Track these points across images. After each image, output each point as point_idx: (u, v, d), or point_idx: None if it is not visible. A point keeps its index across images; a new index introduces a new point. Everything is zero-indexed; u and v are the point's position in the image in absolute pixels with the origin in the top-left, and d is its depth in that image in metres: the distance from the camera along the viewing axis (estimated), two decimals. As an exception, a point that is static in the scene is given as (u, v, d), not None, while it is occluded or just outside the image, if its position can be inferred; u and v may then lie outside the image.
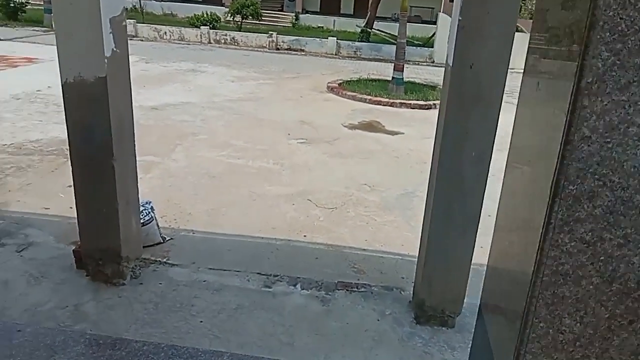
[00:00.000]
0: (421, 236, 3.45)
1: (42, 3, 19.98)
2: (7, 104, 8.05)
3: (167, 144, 6.85)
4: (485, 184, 3.04)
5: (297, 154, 6.96)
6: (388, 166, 6.77)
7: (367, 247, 4.48)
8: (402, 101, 10.46)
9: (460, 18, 2.72)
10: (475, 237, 3.17)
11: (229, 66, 13.78)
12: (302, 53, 18.10)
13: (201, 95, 9.96)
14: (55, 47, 3.03)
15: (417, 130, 8.76)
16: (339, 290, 3.68)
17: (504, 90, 2.81)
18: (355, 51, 18.23)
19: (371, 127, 8.81)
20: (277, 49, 18.34)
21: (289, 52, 18.18)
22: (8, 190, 4.89)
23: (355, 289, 3.72)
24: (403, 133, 8.50)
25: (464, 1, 2.69)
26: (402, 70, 11.51)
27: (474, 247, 3.21)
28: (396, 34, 21.14)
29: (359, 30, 21.22)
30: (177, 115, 8.34)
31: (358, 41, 19.26)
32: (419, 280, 3.42)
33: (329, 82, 12.01)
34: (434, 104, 10.54)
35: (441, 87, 11.01)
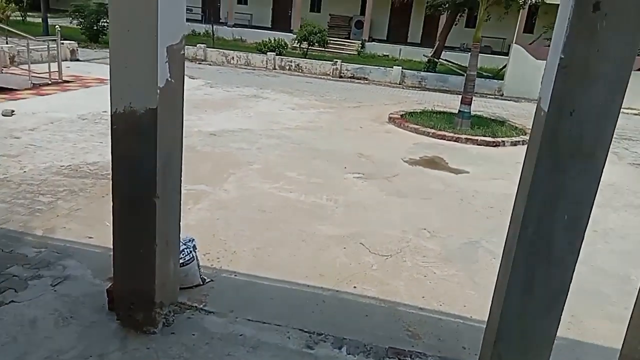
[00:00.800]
0: (492, 304, 2.94)
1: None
2: (72, 124, 8.27)
3: (220, 172, 6.69)
4: (579, 252, 2.52)
5: (353, 190, 6.58)
6: (450, 209, 6.24)
7: (424, 305, 3.99)
8: (468, 137, 9.86)
9: (562, 56, 2.27)
10: (562, 313, 2.64)
11: (291, 93, 13.74)
12: (366, 81, 17.88)
13: (260, 122, 9.87)
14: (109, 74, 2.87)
15: (484, 170, 8.15)
16: (389, 358, 3.22)
17: (611, 141, 2.31)
18: (420, 81, 17.77)
19: (433, 163, 8.30)
20: (341, 76, 18.23)
21: (352, 80, 18.01)
22: (57, 215, 4.83)
23: (409, 358, 3.25)
24: (468, 172, 7.91)
25: (568, 36, 2.24)
26: (470, 104, 10.93)
27: (559, 324, 2.68)
28: (463, 65, 20.57)
29: (425, 59, 20.79)
30: (234, 142, 8.23)
31: (424, 71, 18.82)
32: (487, 356, 2.90)
33: (391, 113, 11.63)
34: (503, 141, 9.87)
35: (510, 121, 10.07)
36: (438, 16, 23.07)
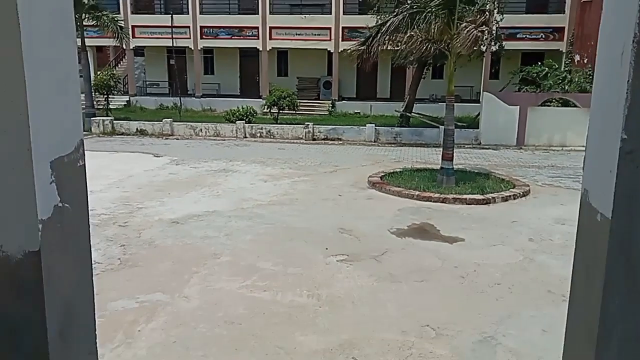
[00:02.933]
0: None
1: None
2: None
3: (181, 272, 5.73)
4: None
5: (337, 278, 5.67)
6: (453, 292, 5.36)
7: None
8: (456, 196, 9.15)
9: (624, 136, 1.50)
10: None
11: (263, 162, 13.02)
12: (340, 142, 17.37)
13: (229, 201, 9.02)
14: None
15: (480, 235, 7.36)
16: None
17: None
18: (395, 137, 17.35)
19: (424, 232, 7.49)
20: (314, 139, 17.71)
21: (326, 141, 17.49)
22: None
23: None
24: (463, 239, 7.11)
25: (630, 106, 1.47)
26: (452, 159, 10.32)
27: None
28: (435, 115, 20.44)
29: (397, 114, 20.54)
30: (199, 229, 7.32)
31: (397, 126, 18.46)
32: None
33: (370, 176, 10.93)
34: (493, 198, 9.18)
35: (494, 173, 9.10)
36: (404, 69, 23.17)
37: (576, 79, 18.20)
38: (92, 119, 19.07)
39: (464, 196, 9.17)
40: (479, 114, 17.94)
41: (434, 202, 9.05)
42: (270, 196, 9.44)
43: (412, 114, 19.47)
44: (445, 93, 10.85)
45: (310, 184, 10.60)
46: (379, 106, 25.12)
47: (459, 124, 17.81)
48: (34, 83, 1.51)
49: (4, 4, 1.39)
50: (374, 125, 17.66)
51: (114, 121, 19.13)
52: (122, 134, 18.56)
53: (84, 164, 2.00)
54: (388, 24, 10.71)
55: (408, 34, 10.52)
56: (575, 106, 16.04)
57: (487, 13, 11.34)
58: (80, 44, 19.90)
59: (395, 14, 11.05)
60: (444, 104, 10.97)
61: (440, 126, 16.38)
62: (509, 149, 15.83)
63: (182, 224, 7.59)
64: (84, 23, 19.54)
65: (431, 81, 25.41)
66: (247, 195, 9.45)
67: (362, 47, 11.48)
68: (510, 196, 9.31)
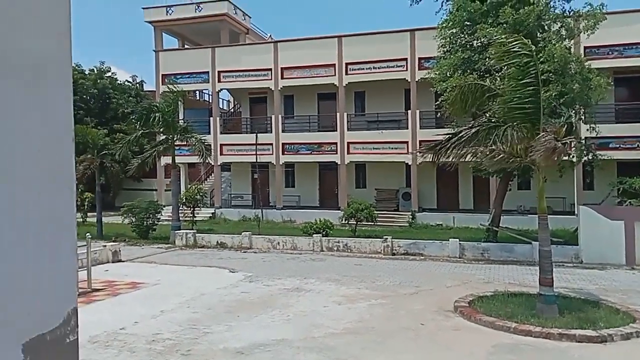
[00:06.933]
0: None
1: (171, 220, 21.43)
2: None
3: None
4: None
5: None
6: None
7: None
8: (562, 331, 7.77)
9: None
10: None
11: (338, 280, 12.32)
12: (421, 257, 16.34)
13: (300, 327, 8.31)
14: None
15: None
16: None
17: None
18: (482, 253, 16.05)
19: (526, 379, 6.23)
20: (393, 254, 16.85)
21: (406, 257, 16.55)
22: None
23: None
24: (579, 392, 5.77)
25: None
26: (551, 285, 9.02)
27: None
28: (527, 229, 18.91)
29: (482, 227, 19.29)
30: (264, 363, 6.63)
31: (484, 241, 17.18)
32: None
33: (456, 300, 9.81)
34: (610, 335, 7.67)
35: (605, 300, 7.43)
36: (487, 179, 22.25)
37: None
38: (176, 232, 19.75)
39: (572, 331, 7.75)
40: (576, 229, 16.31)
41: (534, 337, 7.72)
42: (343, 323, 8.62)
43: (500, 227, 18.16)
44: (537, 208, 9.87)
45: (388, 309, 9.66)
46: (461, 218, 24.01)
47: (554, 239, 16.21)
48: (4, 247, 1.08)
49: None
50: (457, 240, 16.57)
51: (196, 234, 19.65)
52: (203, 246, 18.89)
53: (77, 339, 1.45)
54: (458, 136, 10.26)
55: (488, 147, 10.00)
56: None
57: (573, 125, 10.67)
58: (171, 162, 21.45)
59: (469, 126, 10.63)
60: (534, 216, 9.95)
61: (533, 242, 15.04)
62: (618, 269, 13.90)
63: (247, 355, 6.95)
64: (176, 143, 21.18)
65: (518, 192, 24.14)
66: (319, 321, 8.70)
67: (430, 153, 11.02)
68: (632, 333, 7.74)
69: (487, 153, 10.06)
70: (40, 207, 1.15)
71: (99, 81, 33.42)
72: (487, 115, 11.56)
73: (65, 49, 1.17)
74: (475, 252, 16.13)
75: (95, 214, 22.21)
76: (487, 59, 14.88)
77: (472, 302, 9.74)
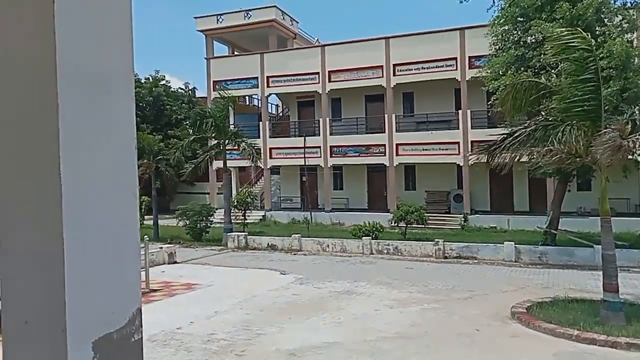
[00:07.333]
0: None
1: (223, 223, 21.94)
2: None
3: None
4: None
5: None
6: None
7: None
8: (630, 340, 7.33)
9: None
10: None
11: (389, 284, 12.18)
12: (475, 261, 15.90)
13: (351, 330, 8.27)
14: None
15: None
16: None
17: None
18: (539, 257, 15.42)
19: (591, 390, 5.91)
20: (445, 257, 16.49)
21: (459, 260, 16.15)
22: None
23: None
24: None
25: None
26: (617, 291, 8.53)
27: None
28: (587, 232, 17.98)
29: (539, 230, 18.53)
30: (316, 366, 6.64)
31: (541, 244, 16.49)
32: None
33: (513, 306, 9.46)
34: (685, 346, 7.16)
35: None
36: (544, 180, 21.38)
37: None
38: (228, 234, 20.20)
39: (641, 340, 7.30)
40: (643, 231, 15.37)
41: (599, 346, 7.32)
42: (395, 326, 8.50)
43: (559, 230, 17.39)
44: (599, 210, 9.37)
45: (441, 313, 9.45)
46: (516, 220, 23.19)
47: (619, 243, 15.38)
48: (75, 250, 1.12)
49: (47, 160, 1.08)
50: (513, 243, 16.00)
51: (248, 236, 20.01)
52: (255, 248, 19.20)
53: (141, 338, 1.49)
54: (514, 136, 9.89)
55: (545, 147, 9.59)
56: None
57: (637, 122, 10.06)
58: (223, 166, 21.98)
59: (525, 126, 10.23)
60: (595, 218, 9.45)
61: (595, 245, 14.28)
62: (691, 275, 12.99)
63: (299, 357, 6.98)
64: (227, 148, 21.70)
65: (577, 193, 23.06)
66: (371, 325, 8.63)
67: (483, 154, 10.72)
68: None
69: (544, 153, 9.66)
70: (107, 212, 1.19)
71: (154, 89, 34.76)
72: (543, 113, 11.12)
73: (128, 60, 1.21)
74: (532, 256, 15.52)
75: (151, 217, 23.07)
76: (542, 55, 14.32)
77: (530, 307, 9.36)
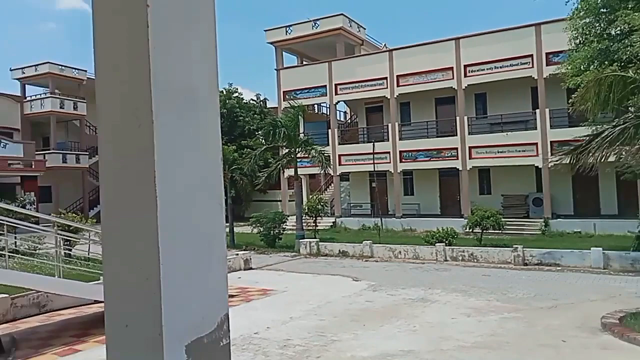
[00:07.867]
0: None
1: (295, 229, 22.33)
2: (217, 354, 7.59)
3: None
4: None
5: None
6: None
7: None
8: None
9: None
10: None
11: (465, 292, 11.78)
12: (558, 268, 15.00)
13: (427, 339, 8.09)
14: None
15: None
16: None
17: None
18: (631, 263, 14.26)
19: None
20: (525, 264, 15.69)
21: (540, 267, 15.31)
22: None
23: None
24: None
25: None
26: None
27: None
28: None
29: (630, 234, 17.15)
30: (392, 374, 6.56)
31: (634, 250, 15.26)
32: None
33: (604, 316, 8.82)
34: None
35: None
36: (634, 182, 19.81)
37: None
38: (300, 240, 20.51)
39: None
40: None
41: None
42: (474, 336, 8.21)
43: (654, 235, 16.00)
44: None
45: (523, 323, 9.00)
46: (604, 225, 21.65)
47: None
48: (170, 258, 1.21)
49: (143, 173, 1.17)
50: (601, 249, 14.93)
51: (319, 243, 20.20)
52: (326, 255, 19.34)
53: (229, 342, 1.57)
54: (603, 136, 9.24)
55: (636, 146, 8.90)
56: None
57: None
58: (294, 173, 22.40)
59: (613, 124, 9.53)
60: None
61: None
62: None
63: (375, 366, 6.93)
64: (297, 156, 22.10)
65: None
66: (447, 333, 8.39)
67: (568, 156, 10.11)
68: None
69: (635, 152, 8.97)
70: (197, 222, 1.26)
71: (227, 101, 36.15)
72: (632, 109, 10.32)
73: (213, 76, 1.28)
74: (623, 263, 14.39)
75: (227, 224, 23.97)
76: (629, 47, 13.34)
77: (623, 318, 8.68)
